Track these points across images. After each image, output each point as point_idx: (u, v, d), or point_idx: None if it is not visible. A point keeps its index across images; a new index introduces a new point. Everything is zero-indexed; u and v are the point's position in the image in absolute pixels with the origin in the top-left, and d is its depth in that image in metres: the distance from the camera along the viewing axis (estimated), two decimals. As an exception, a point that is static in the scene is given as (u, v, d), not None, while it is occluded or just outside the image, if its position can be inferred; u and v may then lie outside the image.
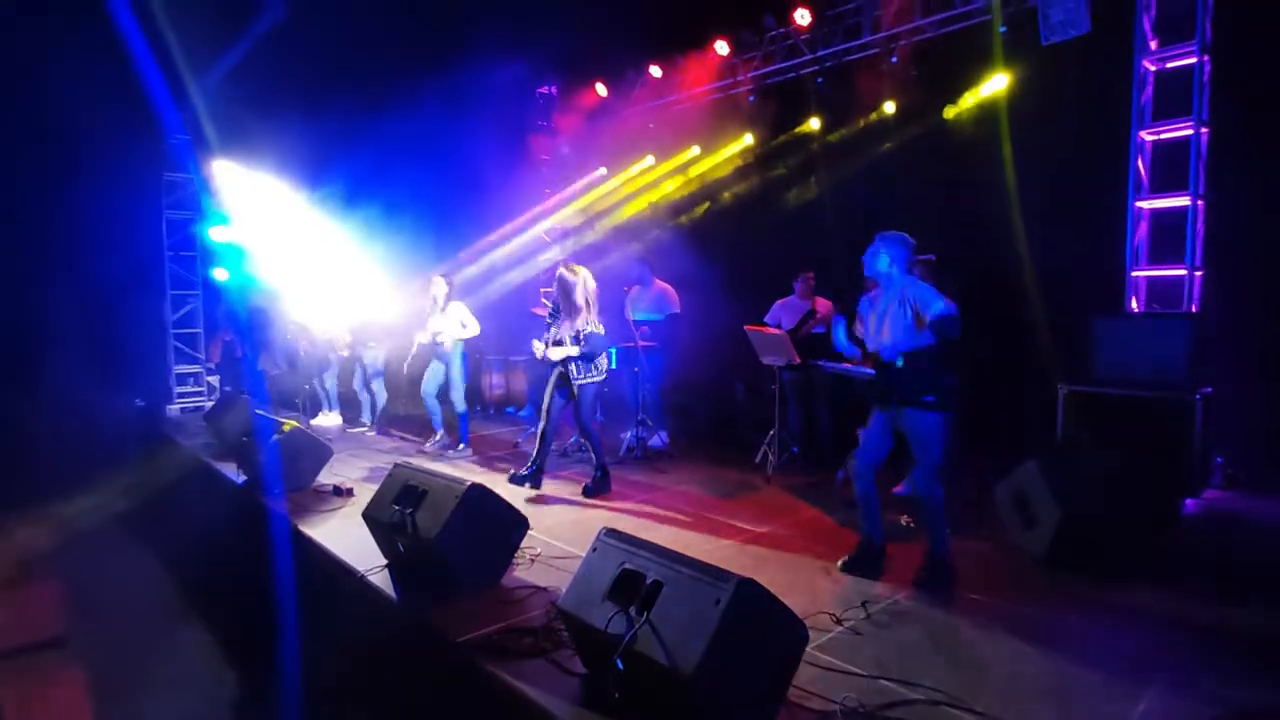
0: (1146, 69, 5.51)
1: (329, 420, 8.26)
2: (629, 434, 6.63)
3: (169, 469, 6.86)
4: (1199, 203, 5.31)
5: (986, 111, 6.38)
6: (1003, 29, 6.13)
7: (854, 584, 3.60)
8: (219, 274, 9.81)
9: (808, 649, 2.63)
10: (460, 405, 6.73)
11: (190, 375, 9.81)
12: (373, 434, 7.78)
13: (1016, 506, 4.04)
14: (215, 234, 9.53)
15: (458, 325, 6.62)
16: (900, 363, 3.50)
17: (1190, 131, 5.28)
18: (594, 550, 2.71)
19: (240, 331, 9.59)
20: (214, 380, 9.81)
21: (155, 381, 9.50)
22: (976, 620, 3.18)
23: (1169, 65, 5.43)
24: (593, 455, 5.43)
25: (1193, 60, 5.25)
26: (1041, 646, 2.92)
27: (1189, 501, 4.79)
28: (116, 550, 5.60)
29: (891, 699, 2.50)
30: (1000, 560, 3.94)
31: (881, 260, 3.56)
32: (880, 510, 3.78)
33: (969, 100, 6.55)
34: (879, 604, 3.34)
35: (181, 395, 9.66)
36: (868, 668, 2.73)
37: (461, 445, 6.75)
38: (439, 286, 6.67)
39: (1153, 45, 5.47)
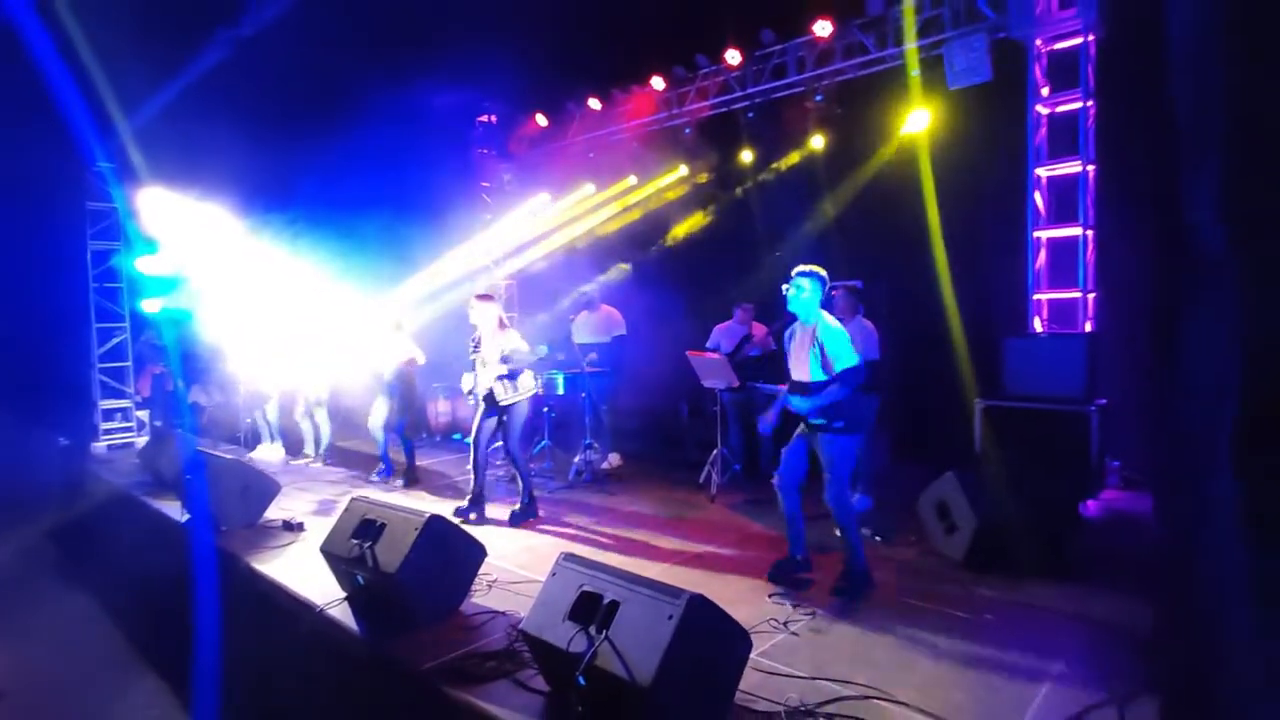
0: (1039, 113, 6.10)
1: (271, 453, 8.12)
2: (579, 458, 6.80)
3: (102, 510, 6.64)
4: (1088, 232, 5.89)
5: (906, 148, 6.89)
6: (915, 73, 6.65)
7: (793, 594, 3.86)
8: (148, 305, 9.52)
9: (752, 655, 2.87)
10: (404, 435, 6.79)
11: (118, 410, 9.46)
12: (319, 465, 7.70)
13: (938, 515, 4.41)
14: (142, 264, 9.26)
15: (403, 356, 6.69)
16: (808, 399, 3.78)
17: (1079, 169, 5.87)
18: (554, 574, 2.89)
19: (171, 364, 9.32)
20: (143, 415, 9.48)
21: (80, 418, 9.12)
22: (904, 621, 3.48)
23: (1058, 109, 6.03)
24: (519, 482, 5.50)
25: (1078, 104, 5.85)
26: (961, 642, 3.24)
27: (1089, 503, 5.28)
28: (54, 598, 5.42)
29: (829, 696, 2.76)
30: (925, 565, 4.29)
31: (799, 295, 3.86)
32: (804, 524, 4.08)
33: (890, 137, 7.07)
34: (816, 611, 3.61)
35: (108, 431, 9.30)
36: (807, 670, 2.98)
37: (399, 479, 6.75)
38: (382, 319, 6.75)
39: (1044, 91, 6.07)
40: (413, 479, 6.70)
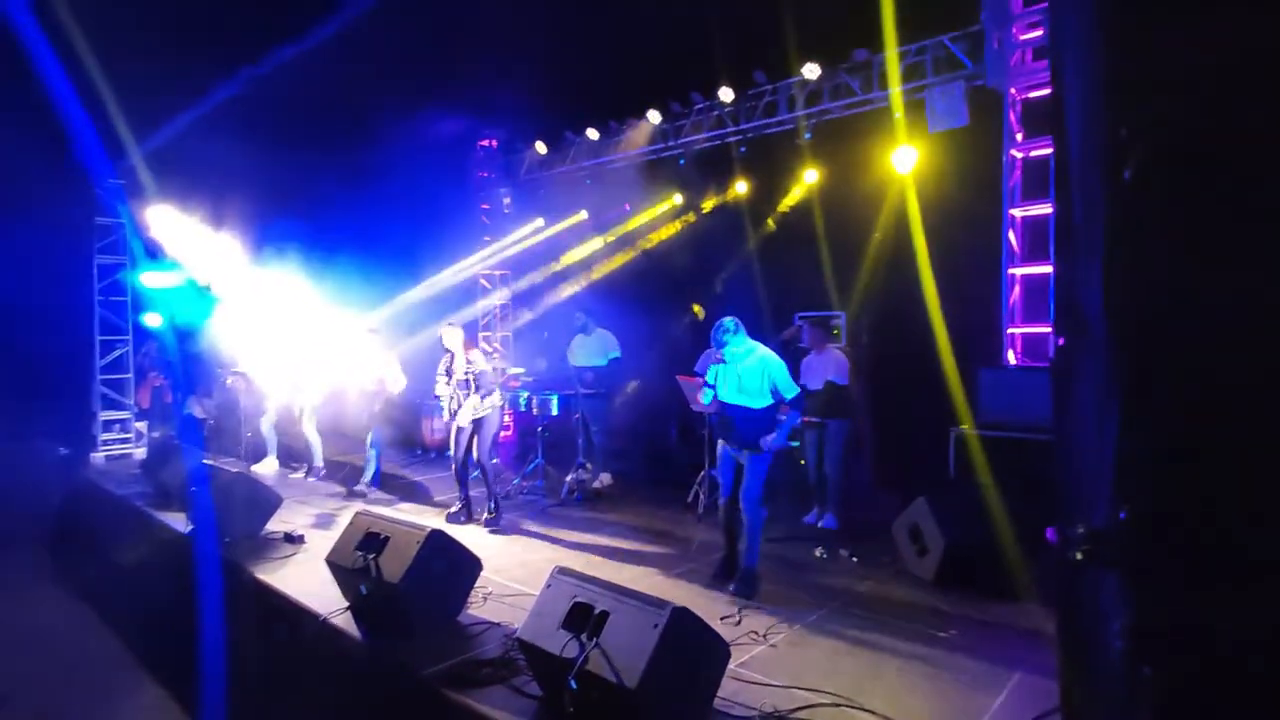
0: (1014, 156, 6.45)
1: (266, 467, 8.29)
2: (570, 476, 7.02)
3: (104, 520, 6.79)
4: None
5: (891, 185, 7.23)
6: (899, 115, 7.00)
7: (772, 609, 4.09)
8: (151, 319, 9.72)
9: (733, 665, 3.11)
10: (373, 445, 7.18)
11: (117, 421, 9.61)
12: (310, 480, 7.89)
13: (911, 537, 4.67)
14: (147, 279, 9.47)
15: (383, 374, 7.05)
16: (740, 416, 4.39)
17: (1050, 210, 6.20)
18: (548, 586, 3.12)
19: (172, 376, 9.50)
20: (142, 426, 9.63)
21: (80, 428, 9.27)
22: (875, 635, 3.73)
23: (1032, 154, 6.39)
24: (486, 488, 6.00)
25: (1050, 150, 6.18)
26: (927, 654, 3.48)
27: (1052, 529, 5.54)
28: (56, 607, 5.58)
29: (801, 704, 2.99)
30: (898, 584, 4.54)
31: (739, 335, 4.38)
32: (739, 535, 4.53)
33: (875, 175, 7.41)
34: (795, 625, 3.85)
35: (107, 442, 9.44)
36: (782, 679, 3.21)
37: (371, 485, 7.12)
38: (368, 341, 7.16)
39: (1019, 137, 6.43)
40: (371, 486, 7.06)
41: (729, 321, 4.39)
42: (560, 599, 3.02)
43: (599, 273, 9.84)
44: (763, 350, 4.44)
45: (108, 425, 9.51)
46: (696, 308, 8.87)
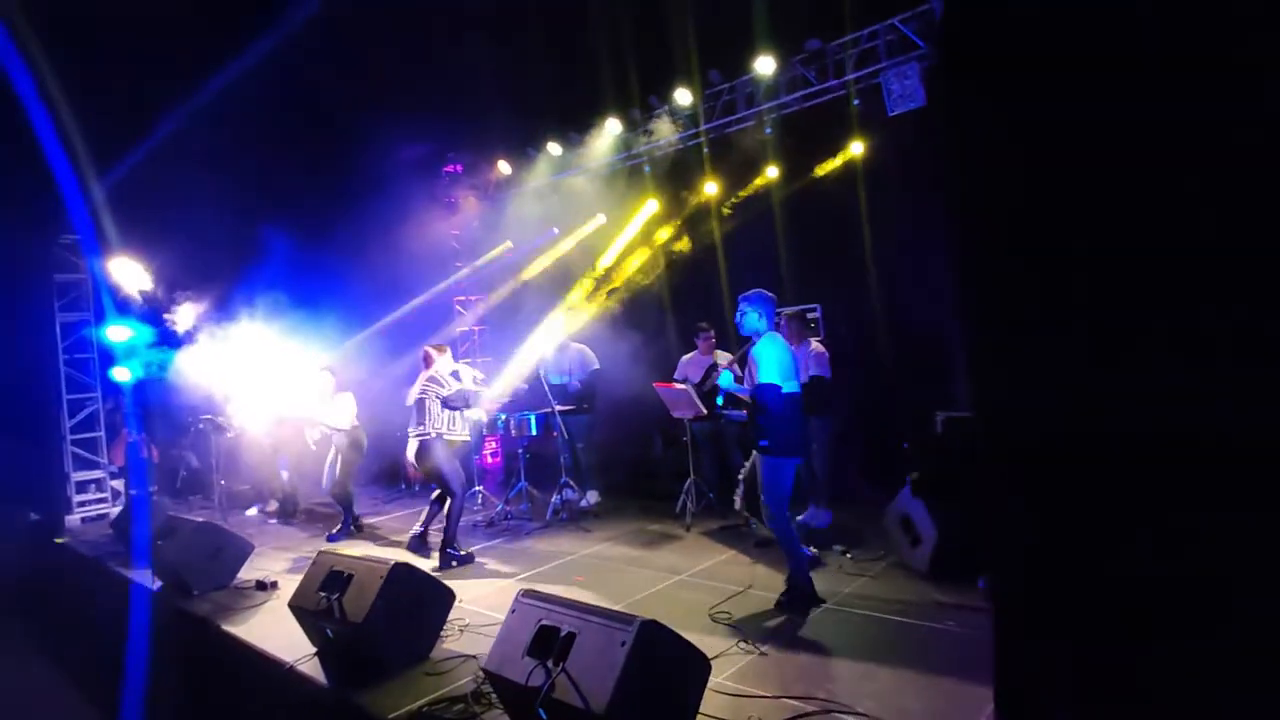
0: (976, 132, 6.35)
1: (247, 512, 8.07)
2: (555, 497, 6.82)
3: (71, 582, 6.55)
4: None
5: (856, 174, 7.14)
6: (856, 102, 6.92)
7: (762, 615, 3.90)
8: (119, 374, 9.49)
9: (719, 678, 2.92)
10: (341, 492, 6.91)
11: (91, 481, 9.36)
12: (276, 522, 7.70)
13: (903, 528, 4.49)
14: (113, 333, 9.26)
15: (346, 415, 6.81)
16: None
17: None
18: (513, 611, 2.93)
19: (145, 430, 9.27)
20: (118, 485, 9.38)
21: (52, 491, 9.01)
22: (868, 634, 3.54)
23: (993, 129, 6.28)
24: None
25: (1011, 124, 6.10)
26: (922, 650, 3.29)
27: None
28: (21, 672, 5.32)
29: (792, 713, 2.80)
30: (892, 578, 4.35)
31: (750, 318, 4.05)
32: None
33: (839, 164, 7.31)
34: (786, 630, 3.65)
35: (82, 504, 9.18)
36: (771, 689, 3.02)
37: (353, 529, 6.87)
38: (325, 379, 6.91)
39: (978, 112, 6.33)
40: (354, 529, 6.85)
41: (752, 294, 4.06)
42: (526, 624, 2.83)
43: (568, 286, 9.69)
44: (767, 336, 4.09)
45: (82, 486, 9.25)
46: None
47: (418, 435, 5.69)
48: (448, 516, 5.52)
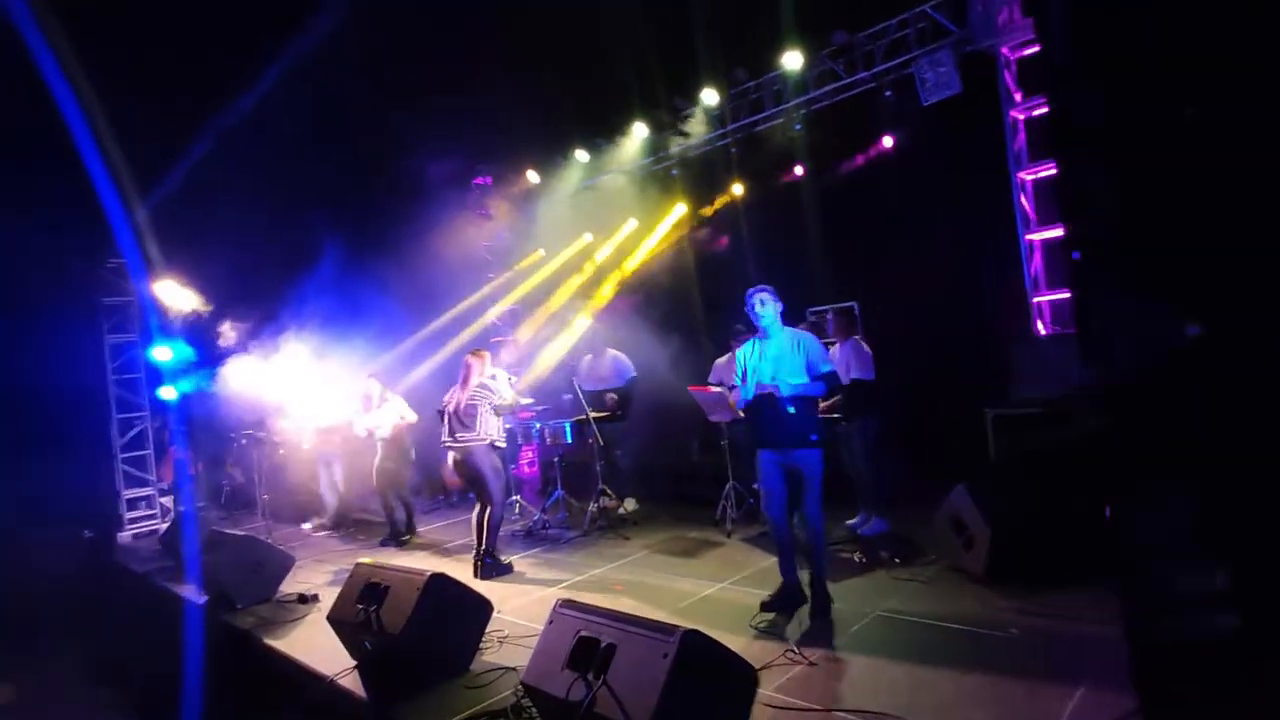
0: (1016, 118, 6.13)
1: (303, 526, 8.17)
2: (593, 505, 6.73)
3: (122, 599, 6.68)
4: (1080, 230, 5.84)
5: (889, 167, 6.95)
6: (888, 94, 6.74)
7: (809, 623, 3.75)
8: (166, 393, 9.73)
9: (767, 690, 2.79)
10: (400, 497, 7.01)
11: (142, 499, 9.59)
12: (322, 534, 7.77)
13: (955, 529, 4.29)
14: (159, 354, 9.50)
15: (392, 421, 6.90)
16: (789, 404, 3.80)
17: (1062, 169, 5.85)
18: (551, 622, 2.84)
19: (191, 447, 9.47)
20: (167, 501, 9.60)
21: (104, 509, 9.25)
22: (924, 642, 3.36)
23: (1035, 113, 6.06)
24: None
25: (1053, 107, 5.86)
26: (983, 659, 3.11)
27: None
28: (76, 690, 5.42)
29: (845, 728, 2.66)
30: (946, 582, 4.16)
31: (769, 311, 3.94)
32: (795, 553, 4.00)
33: (871, 158, 7.14)
34: (836, 639, 3.50)
35: (133, 520, 9.40)
36: (823, 701, 2.87)
37: (406, 536, 6.94)
38: (370, 386, 7.01)
39: (1017, 98, 6.11)
40: (406, 538, 6.86)
41: (765, 291, 3.93)
42: (564, 635, 2.74)
43: (607, 294, 9.63)
44: (796, 329, 4.02)
45: (133, 503, 9.48)
46: None
47: (468, 442, 5.52)
48: (489, 525, 5.44)
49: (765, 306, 3.94)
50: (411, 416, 7.03)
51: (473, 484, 5.69)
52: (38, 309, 8.69)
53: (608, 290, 9.64)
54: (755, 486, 4.38)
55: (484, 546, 5.41)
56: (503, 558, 5.53)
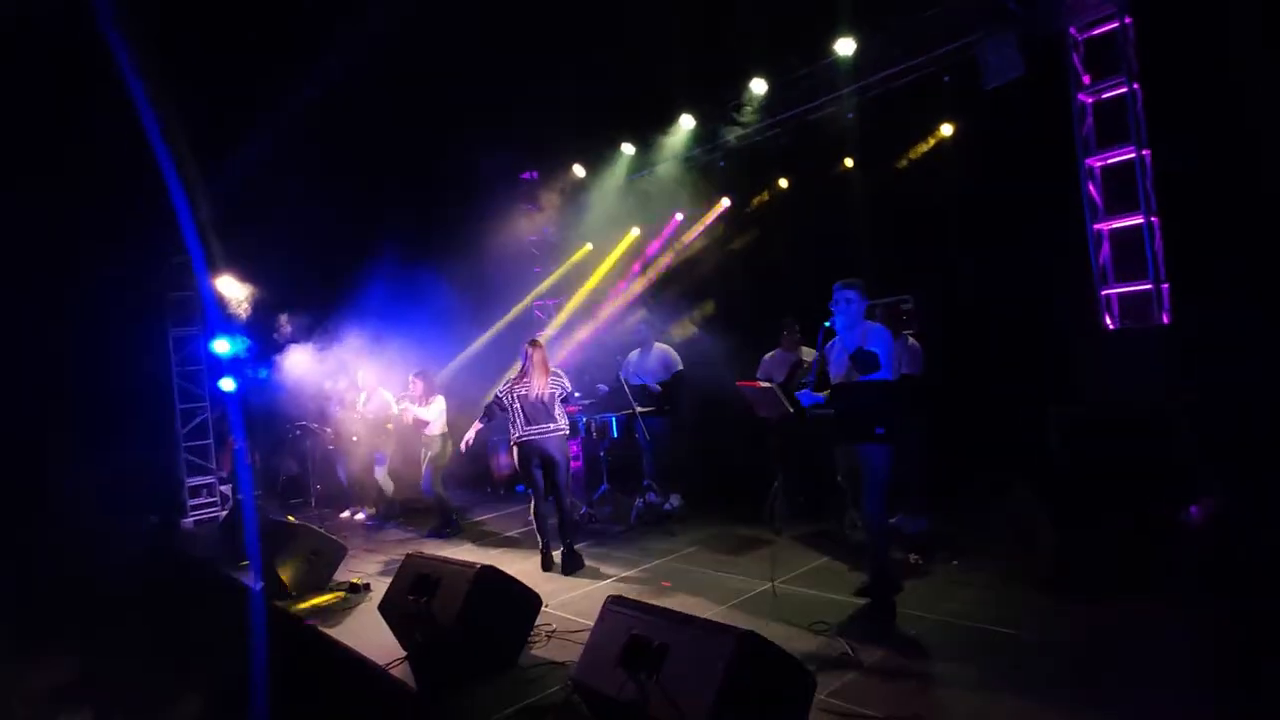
0: (1084, 101, 5.83)
1: (343, 515, 8.35)
2: (638, 500, 6.70)
3: (183, 584, 6.90)
4: (1153, 219, 5.53)
5: (947, 155, 6.71)
6: (947, 78, 6.49)
7: (865, 625, 3.64)
8: (225, 384, 10.05)
9: (823, 695, 2.70)
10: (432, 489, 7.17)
11: (204, 487, 9.94)
12: (374, 523, 7.92)
13: (1016, 532, 4.11)
14: (219, 346, 9.80)
15: (438, 417, 7.08)
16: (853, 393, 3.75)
17: (1133, 155, 5.55)
18: (602, 619, 2.80)
19: (248, 437, 9.77)
20: (227, 490, 9.93)
21: (168, 496, 9.62)
22: (985, 650, 3.22)
23: (1104, 96, 5.75)
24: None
25: (1124, 90, 5.56)
26: (1049, 668, 2.96)
27: (1192, 510, 4.82)
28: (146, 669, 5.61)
29: (906, 738, 2.55)
30: (1006, 587, 3.98)
31: (849, 305, 3.82)
32: (887, 546, 3.88)
33: (929, 146, 6.91)
34: (891, 643, 3.38)
35: (195, 507, 9.76)
36: (881, 709, 2.77)
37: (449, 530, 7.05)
38: (417, 384, 7.18)
39: (1086, 80, 5.81)
40: (453, 529, 7.02)
41: (852, 290, 3.86)
42: (616, 633, 2.70)
43: (650, 287, 9.58)
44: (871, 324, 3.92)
45: (194, 491, 9.83)
46: None
47: (553, 432, 5.44)
48: (569, 518, 5.45)
49: (851, 305, 3.86)
50: (439, 422, 7.21)
51: (549, 474, 5.50)
52: (108, 304, 9.06)
53: (655, 284, 9.58)
54: (839, 481, 4.30)
55: (568, 540, 5.38)
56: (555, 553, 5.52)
